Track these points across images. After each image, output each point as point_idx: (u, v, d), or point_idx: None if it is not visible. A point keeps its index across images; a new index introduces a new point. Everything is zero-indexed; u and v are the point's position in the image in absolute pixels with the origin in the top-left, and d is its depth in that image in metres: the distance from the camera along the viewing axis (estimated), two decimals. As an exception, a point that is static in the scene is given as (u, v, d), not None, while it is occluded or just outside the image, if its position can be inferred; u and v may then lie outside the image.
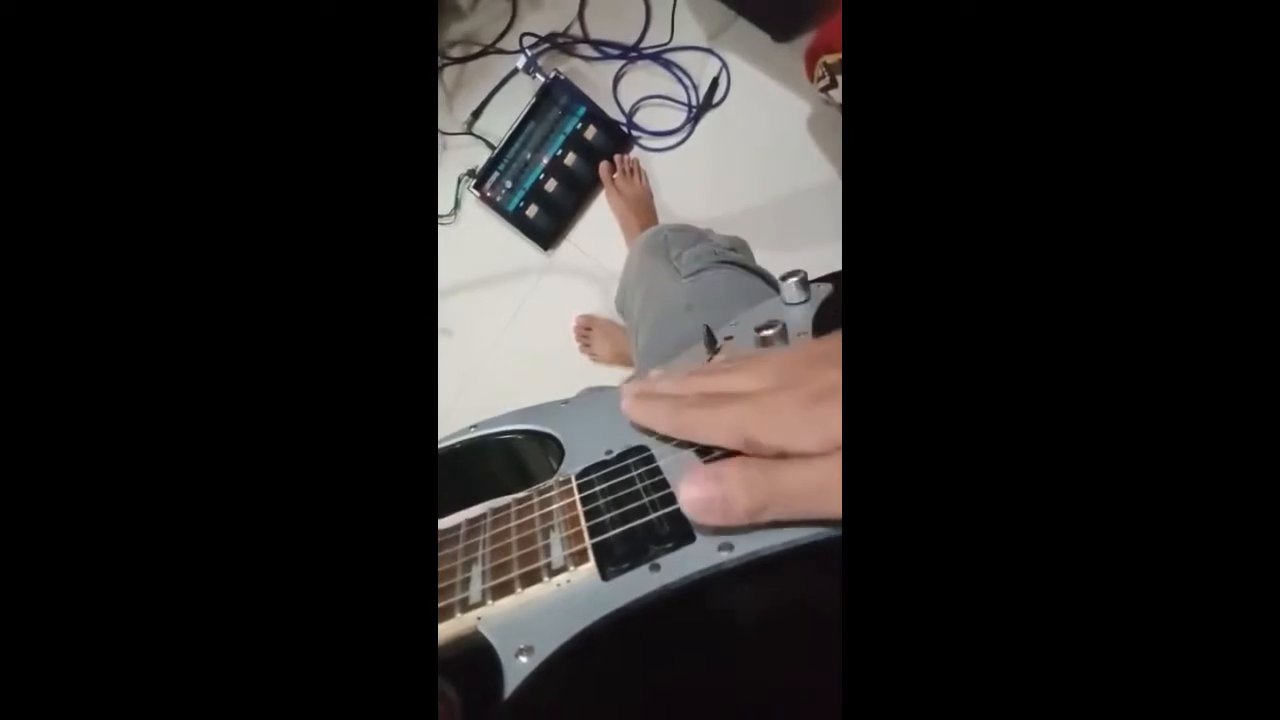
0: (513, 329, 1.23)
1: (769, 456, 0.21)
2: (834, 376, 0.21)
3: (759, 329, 0.31)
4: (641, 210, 1.14)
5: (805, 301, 0.35)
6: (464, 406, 1.13)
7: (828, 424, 0.20)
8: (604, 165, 1.16)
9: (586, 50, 1.17)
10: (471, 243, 1.21)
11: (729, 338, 0.34)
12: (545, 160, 1.16)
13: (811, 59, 0.99)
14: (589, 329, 1.20)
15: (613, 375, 1.20)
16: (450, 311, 1.22)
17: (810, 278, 0.36)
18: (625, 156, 1.17)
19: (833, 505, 0.19)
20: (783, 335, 0.31)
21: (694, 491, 0.20)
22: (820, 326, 0.33)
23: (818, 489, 0.19)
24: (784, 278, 0.35)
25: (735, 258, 0.57)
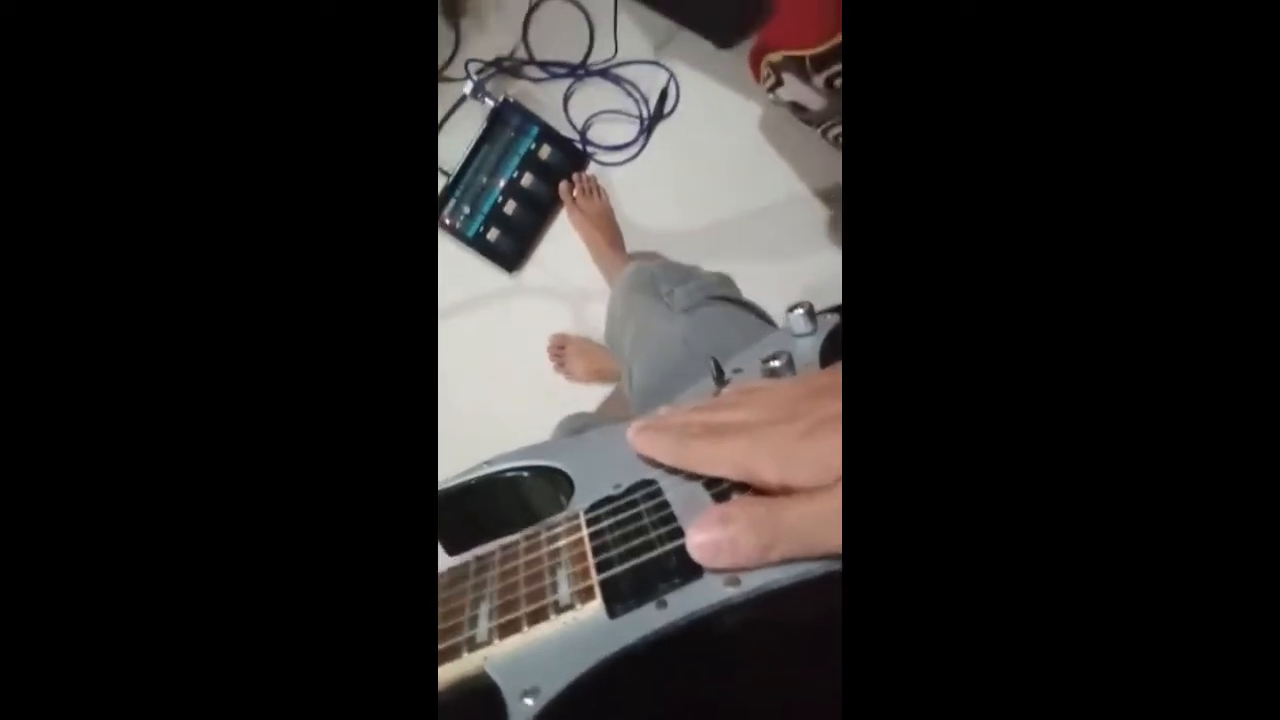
0: (486, 353, 1.22)
1: (774, 490, 0.21)
2: (834, 408, 0.21)
3: (766, 360, 0.31)
4: (605, 226, 1.14)
5: (812, 333, 0.35)
6: (444, 434, 1.11)
7: (825, 456, 0.20)
8: (563, 185, 1.16)
9: (534, 72, 1.17)
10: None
11: (737, 370, 0.34)
12: (502, 183, 1.16)
13: (756, 60, 1.01)
14: (563, 348, 1.19)
15: (589, 393, 1.19)
16: (419, 343, 1.20)
17: (817, 308, 0.37)
18: (583, 174, 1.17)
19: (838, 539, 0.19)
20: (790, 366, 0.31)
21: (700, 537, 0.21)
22: (827, 358, 0.33)
23: (822, 523, 0.19)
24: (791, 309, 0.35)
25: (726, 292, 0.58)
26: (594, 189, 1.17)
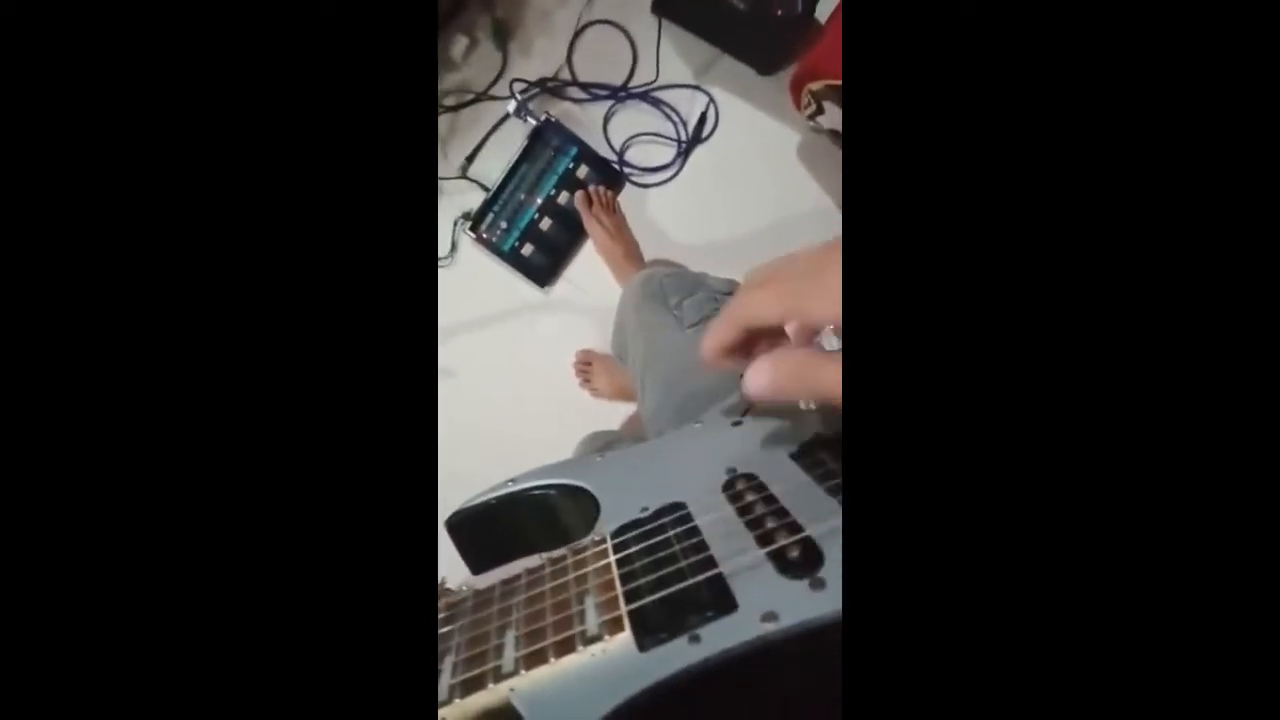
0: (513, 367, 1.23)
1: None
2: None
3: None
4: (621, 239, 1.15)
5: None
6: (467, 446, 1.11)
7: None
8: (580, 196, 1.16)
9: (576, 93, 1.20)
10: (469, 284, 1.21)
11: None
12: (539, 200, 1.18)
13: (797, 88, 1.01)
14: (589, 364, 1.19)
15: (614, 410, 1.19)
16: (451, 352, 1.22)
17: None
18: (599, 190, 1.17)
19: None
20: None
21: (755, 380, 0.23)
22: None
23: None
24: None
25: None
26: (610, 204, 1.17)
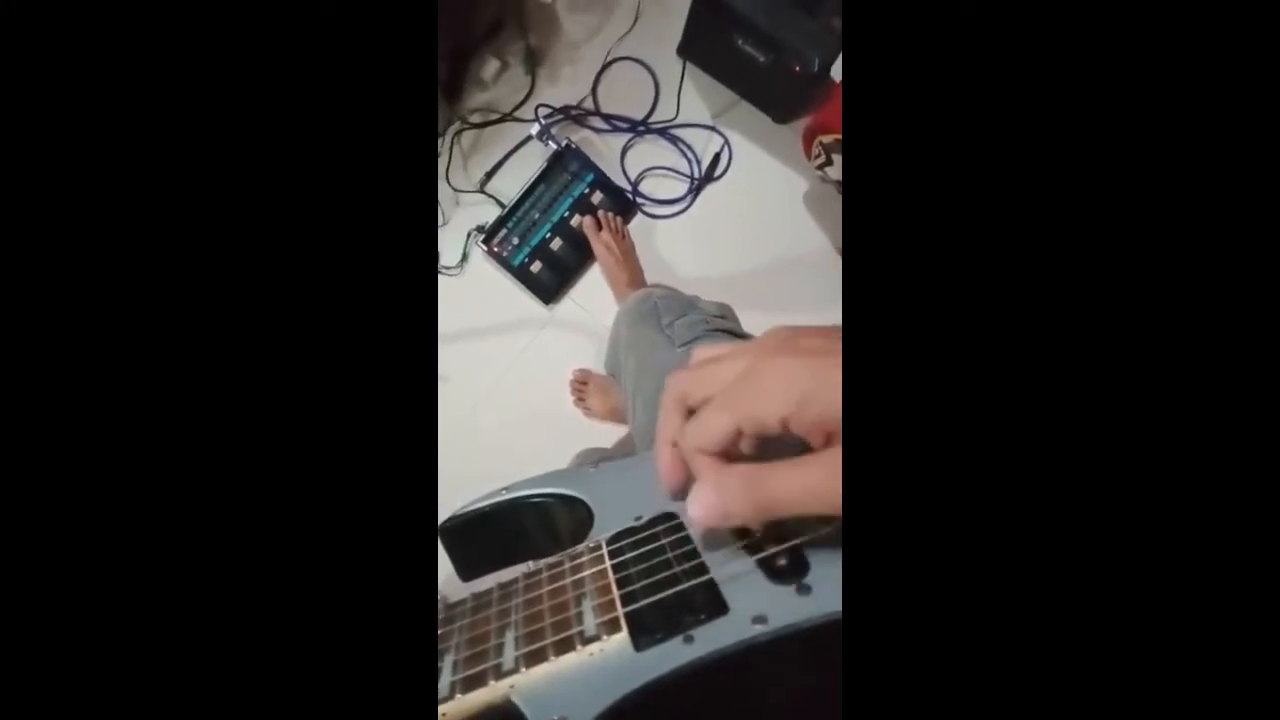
0: (509, 378, 1.25)
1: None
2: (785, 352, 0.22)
3: None
4: (627, 263, 1.17)
5: None
6: (458, 454, 1.13)
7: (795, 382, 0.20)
8: (589, 221, 1.19)
9: (597, 123, 1.24)
10: (476, 293, 1.24)
11: None
12: (552, 220, 1.21)
13: (809, 139, 1.06)
14: (585, 384, 1.21)
15: (605, 431, 1.20)
16: (450, 358, 1.24)
17: None
18: (609, 216, 1.20)
19: (824, 505, 0.19)
20: None
21: (697, 510, 0.21)
22: None
23: (808, 491, 0.20)
24: None
25: (725, 325, 0.58)
26: (619, 229, 1.20)
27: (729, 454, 0.22)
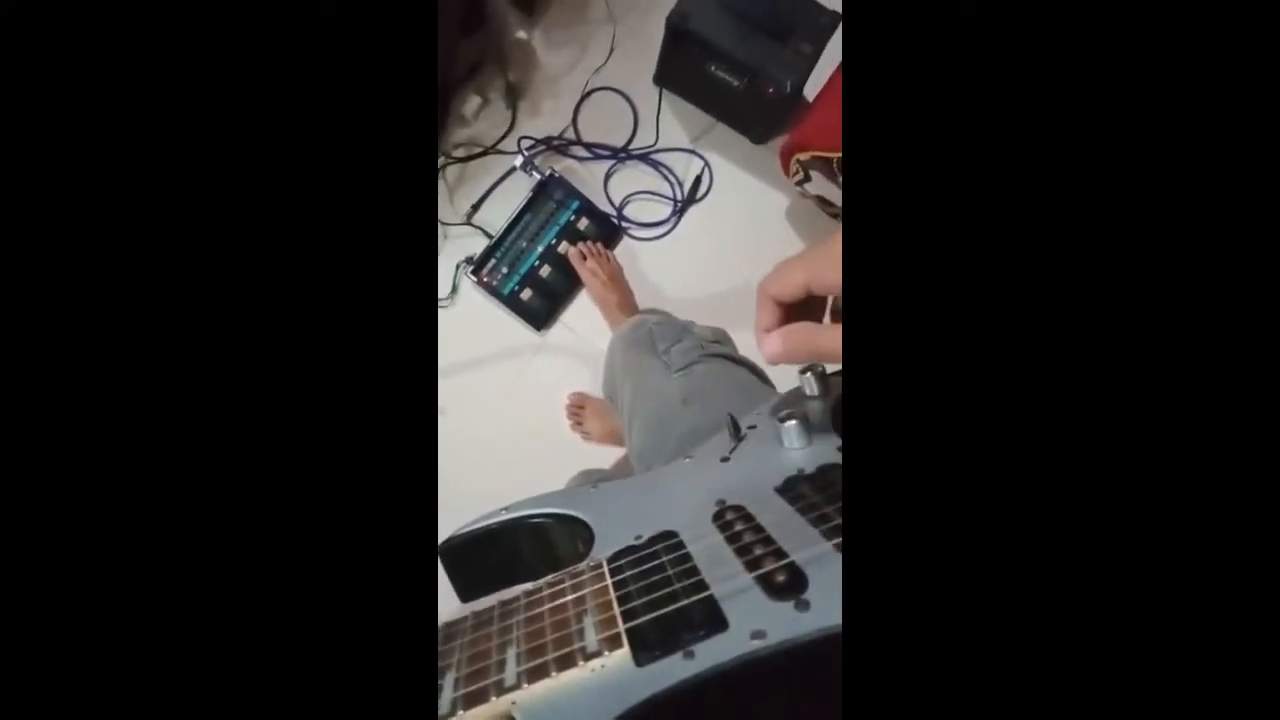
0: (507, 406, 1.25)
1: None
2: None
3: (781, 418, 0.32)
4: (616, 287, 1.19)
5: (821, 396, 0.35)
6: (459, 482, 1.12)
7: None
8: (573, 251, 1.21)
9: (580, 151, 1.27)
10: (468, 325, 1.25)
11: (752, 426, 0.35)
12: (540, 249, 1.23)
13: (786, 157, 1.09)
14: (581, 407, 1.22)
15: (603, 454, 1.21)
16: (447, 391, 1.24)
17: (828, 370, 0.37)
18: (590, 244, 1.22)
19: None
20: (805, 423, 0.32)
21: (768, 349, 0.29)
22: (839, 422, 0.34)
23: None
24: (802, 371, 0.36)
25: (721, 350, 0.59)
26: (603, 254, 1.22)
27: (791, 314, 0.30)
